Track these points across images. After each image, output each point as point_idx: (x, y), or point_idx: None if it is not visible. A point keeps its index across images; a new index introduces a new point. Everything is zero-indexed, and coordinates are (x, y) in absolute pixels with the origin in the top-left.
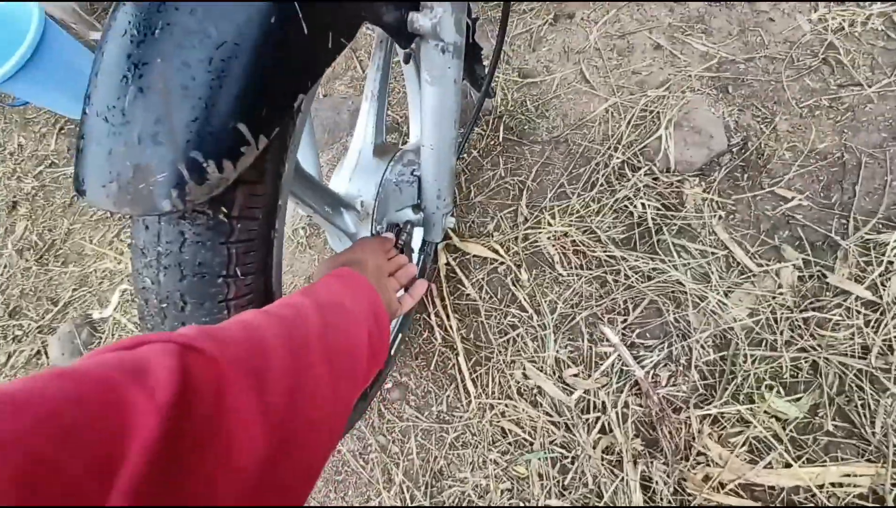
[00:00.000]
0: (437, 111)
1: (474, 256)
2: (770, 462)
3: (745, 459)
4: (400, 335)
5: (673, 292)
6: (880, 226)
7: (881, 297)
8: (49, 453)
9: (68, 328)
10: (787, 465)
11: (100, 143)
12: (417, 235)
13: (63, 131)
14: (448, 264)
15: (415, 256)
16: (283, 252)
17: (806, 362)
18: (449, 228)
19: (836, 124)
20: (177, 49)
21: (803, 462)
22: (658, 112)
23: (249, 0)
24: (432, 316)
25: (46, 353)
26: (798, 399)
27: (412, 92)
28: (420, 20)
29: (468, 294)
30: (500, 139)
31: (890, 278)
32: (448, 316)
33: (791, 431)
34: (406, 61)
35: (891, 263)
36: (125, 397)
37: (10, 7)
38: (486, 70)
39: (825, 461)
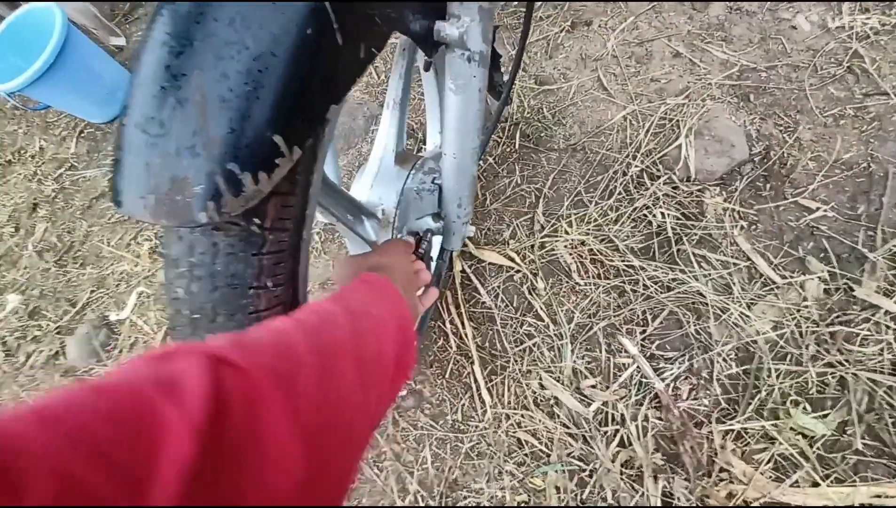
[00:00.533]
0: (460, 120)
1: (490, 263)
2: (797, 481)
3: (771, 476)
4: (416, 343)
5: (693, 303)
6: None
7: None
8: (80, 470)
9: (86, 330)
10: (815, 484)
11: (138, 154)
12: (436, 243)
13: (83, 135)
14: (463, 271)
15: (432, 264)
16: (308, 262)
17: (833, 377)
18: (468, 236)
19: (861, 134)
20: (216, 60)
21: (832, 482)
22: (678, 120)
23: (287, 10)
24: (447, 324)
25: (65, 354)
26: (825, 416)
27: (431, 99)
28: (447, 29)
29: (483, 302)
30: (517, 146)
31: None
32: (463, 324)
33: (818, 449)
34: (426, 69)
35: None
36: (158, 413)
37: (34, 13)
38: (505, 77)
39: (855, 480)
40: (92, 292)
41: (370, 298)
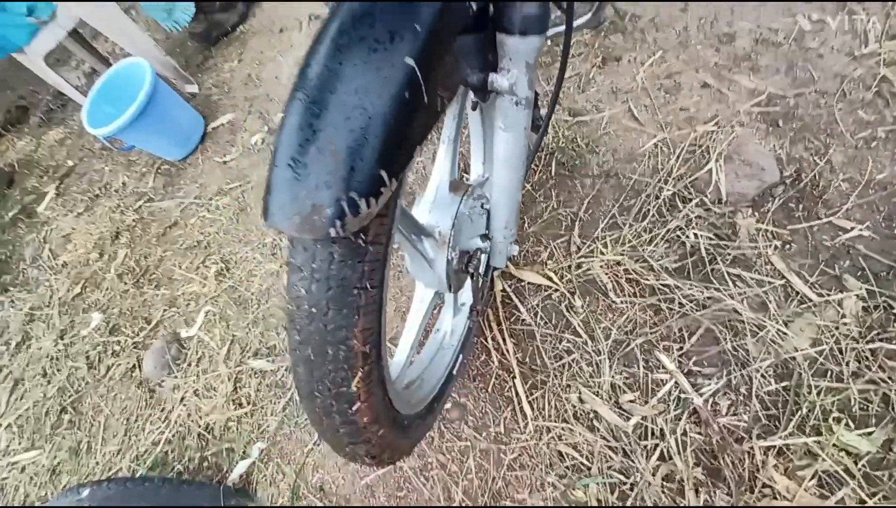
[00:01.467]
0: (508, 154)
1: (529, 283)
2: (843, 498)
3: (815, 493)
4: (461, 357)
5: (730, 320)
6: None
7: None
8: None
9: (160, 345)
10: (862, 502)
11: (287, 186)
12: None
13: (160, 171)
14: (504, 290)
15: (480, 281)
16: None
17: (876, 394)
18: (513, 255)
19: (894, 155)
20: (344, 120)
21: (879, 500)
22: (707, 146)
23: (393, 81)
24: (489, 340)
25: (140, 367)
26: (870, 433)
27: (476, 135)
28: (499, 80)
29: (524, 320)
30: (553, 173)
31: None
32: (504, 340)
33: (864, 466)
34: (474, 109)
35: None
36: None
37: (125, 67)
38: (542, 111)
39: None
40: (165, 310)
41: None
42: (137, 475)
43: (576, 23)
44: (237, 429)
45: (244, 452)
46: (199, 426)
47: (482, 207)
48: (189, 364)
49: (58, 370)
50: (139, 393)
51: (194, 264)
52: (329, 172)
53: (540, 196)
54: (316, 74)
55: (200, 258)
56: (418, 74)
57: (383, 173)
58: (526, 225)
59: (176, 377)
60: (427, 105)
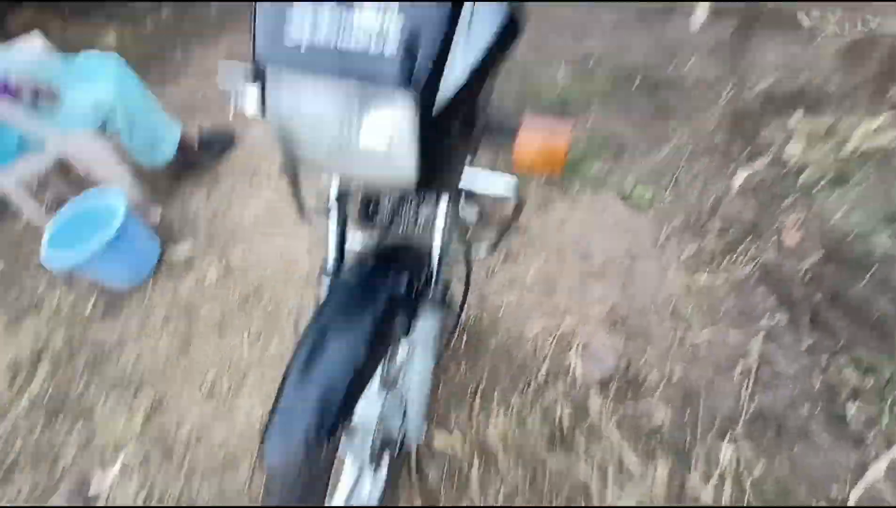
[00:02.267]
0: (421, 366)
1: (436, 445)
2: None
3: None
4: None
5: (584, 486)
6: (718, 436)
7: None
8: None
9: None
10: None
11: (280, 431)
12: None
13: (102, 294)
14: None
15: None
16: None
17: None
18: (422, 434)
19: (682, 358)
20: (324, 389)
21: None
22: (571, 338)
23: (359, 344)
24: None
25: None
26: None
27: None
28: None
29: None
30: (464, 343)
31: (726, 480)
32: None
33: None
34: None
35: (724, 469)
36: None
37: (103, 200)
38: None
39: None
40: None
41: None
42: None
43: (480, 252)
44: None
45: None
46: None
47: (401, 399)
48: None
49: None
50: None
51: (124, 397)
52: (308, 422)
53: (453, 362)
54: (305, 355)
55: (131, 392)
56: (370, 355)
57: (341, 421)
58: (441, 385)
59: None
60: (374, 365)
